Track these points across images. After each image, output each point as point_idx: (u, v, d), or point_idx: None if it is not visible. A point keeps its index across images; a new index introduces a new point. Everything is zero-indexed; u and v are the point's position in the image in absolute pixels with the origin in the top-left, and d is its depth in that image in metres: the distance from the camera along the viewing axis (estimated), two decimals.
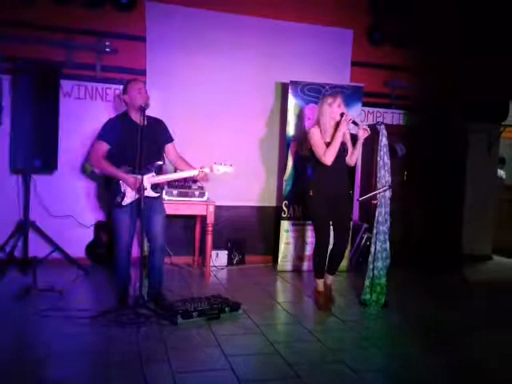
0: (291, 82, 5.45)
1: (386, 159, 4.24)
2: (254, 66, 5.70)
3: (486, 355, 3.40)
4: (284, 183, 5.53)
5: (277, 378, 2.90)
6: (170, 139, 4.10)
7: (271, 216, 5.87)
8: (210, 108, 5.56)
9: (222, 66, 5.59)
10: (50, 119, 4.79)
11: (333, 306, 4.17)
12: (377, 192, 4.25)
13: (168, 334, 3.43)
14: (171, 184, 4.87)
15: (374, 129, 4.32)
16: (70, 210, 5.20)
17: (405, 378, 3.02)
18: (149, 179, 3.83)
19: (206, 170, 3.99)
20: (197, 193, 4.98)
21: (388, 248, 4.25)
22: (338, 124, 4.06)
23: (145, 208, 3.75)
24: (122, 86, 4.03)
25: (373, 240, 4.29)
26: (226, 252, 5.65)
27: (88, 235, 5.28)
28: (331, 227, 4.23)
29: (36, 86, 4.69)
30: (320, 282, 4.28)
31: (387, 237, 4.24)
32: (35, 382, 2.75)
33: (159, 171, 3.95)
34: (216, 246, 5.40)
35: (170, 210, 4.30)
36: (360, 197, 4.59)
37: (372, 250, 4.28)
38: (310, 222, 5.43)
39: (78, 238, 5.22)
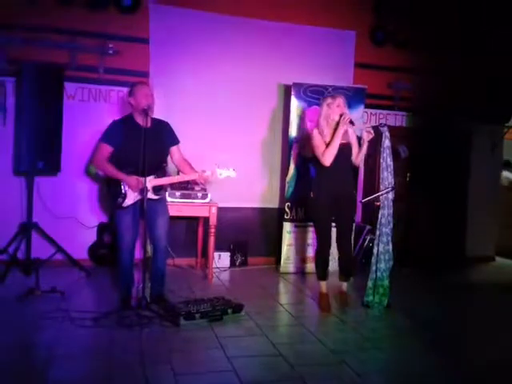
0: (294, 83, 5.45)
1: (389, 161, 4.23)
2: (257, 67, 5.70)
3: (489, 357, 3.38)
4: (286, 185, 5.53)
5: (279, 380, 2.90)
6: (174, 142, 4.08)
7: (274, 217, 5.87)
8: (213, 109, 5.56)
9: (225, 68, 5.59)
10: (54, 121, 4.79)
11: (347, 305, 4.24)
12: (380, 194, 4.24)
13: (170, 336, 3.43)
14: (174, 186, 4.88)
15: (376, 130, 4.31)
16: (72, 211, 5.21)
17: (407, 380, 3.01)
18: (149, 181, 3.82)
19: (208, 173, 3.93)
20: (199, 194, 4.99)
21: (391, 249, 4.24)
22: (338, 124, 4.06)
23: (147, 210, 3.75)
24: (127, 89, 4.02)
25: (376, 241, 4.28)
26: (229, 253, 5.65)
27: (91, 237, 5.28)
28: (334, 229, 4.23)
29: (39, 88, 4.69)
30: (323, 284, 4.27)
31: (390, 238, 4.23)
32: None
33: (161, 174, 3.95)
34: (218, 248, 5.39)
35: (172, 211, 4.31)
36: (363, 198, 4.58)
37: (375, 251, 4.27)
38: (312, 224, 5.45)
39: (80, 240, 5.23)
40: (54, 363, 2.95)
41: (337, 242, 4.24)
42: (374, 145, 5.13)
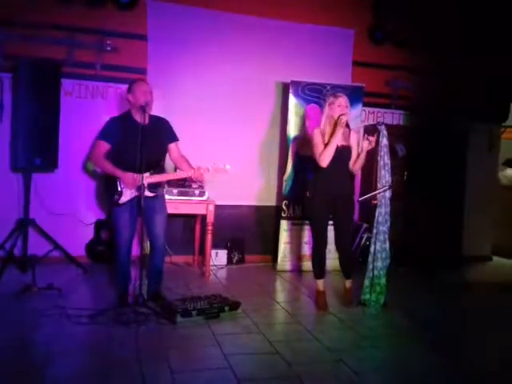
0: (292, 81, 5.45)
1: (387, 159, 4.23)
2: (255, 65, 5.69)
3: (486, 356, 3.39)
4: (284, 183, 5.53)
5: (276, 378, 2.90)
6: (173, 138, 4.06)
7: (271, 215, 5.87)
8: (211, 107, 5.55)
9: (223, 66, 5.59)
10: (51, 118, 4.78)
11: (352, 306, 4.21)
12: (377, 192, 4.24)
13: (167, 333, 3.43)
14: (171, 183, 4.87)
15: (374, 129, 4.31)
16: (70, 208, 5.20)
17: (404, 379, 3.01)
18: (145, 178, 3.79)
19: (202, 171, 3.90)
20: (197, 192, 4.99)
21: (388, 248, 4.24)
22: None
23: (145, 207, 3.74)
24: (125, 85, 4.02)
25: (372, 240, 4.28)
26: (226, 251, 5.65)
27: (88, 233, 5.28)
28: (331, 228, 4.22)
29: (37, 85, 4.68)
30: (319, 282, 4.28)
31: (387, 237, 4.24)
32: (34, 381, 2.74)
33: (158, 171, 3.94)
34: (216, 245, 5.40)
35: (170, 209, 4.30)
36: (360, 197, 4.58)
37: (372, 249, 4.27)
38: (308, 222, 5.46)
39: (77, 237, 5.22)
40: (50, 360, 2.94)
41: (335, 242, 4.21)
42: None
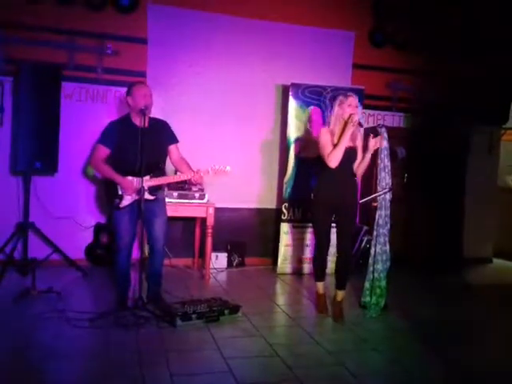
0: (292, 84, 5.45)
1: (387, 161, 4.22)
2: (255, 68, 5.70)
3: (487, 358, 3.39)
4: (284, 185, 5.52)
5: (276, 381, 2.89)
6: (172, 141, 4.05)
7: (271, 218, 5.87)
8: (211, 110, 5.56)
9: (223, 69, 5.60)
10: (51, 121, 4.79)
11: (342, 322, 3.96)
12: (377, 194, 4.23)
13: (167, 336, 3.42)
14: (171, 186, 4.87)
15: (374, 131, 4.30)
16: (70, 211, 5.20)
17: (405, 382, 3.01)
18: (145, 182, 3.78)
19: (202, 174, 3.89)
20: (197, 195, 4.99)
21: (388, 250, 4.23)
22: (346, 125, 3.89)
23: (145, 210, 3.74)
24: (126, 88, 3.97)
25: (373, 242, 4.27)
26: (226, 254, 5.65)
27: (88, 237, 5.28)
28: (334, 231, 4.17)
29: (37, 88, 4.69)
30: (319, 285, 4.26)
31: (387, 239, 4.22)
32: None
33: (158, 174, 3.93)
34: (216, 248, 5.39)
35: (169, 211, 4.29)
36: (360, 199, 4.57)
37: (372, 252, 4.26)
38: (311, 225, 5.44)
39: (77, 240, 5.22)
40: (50, 363, 2.94)
41: (336, 245, 4.12)
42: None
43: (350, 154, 3.94)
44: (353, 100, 3.90)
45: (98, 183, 5.21)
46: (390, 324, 4.01)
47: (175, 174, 4.27)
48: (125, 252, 3.93)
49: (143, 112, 3.75)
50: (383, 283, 4.22)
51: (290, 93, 5.45)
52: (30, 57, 4.95)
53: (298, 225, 5.54)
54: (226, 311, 3.85)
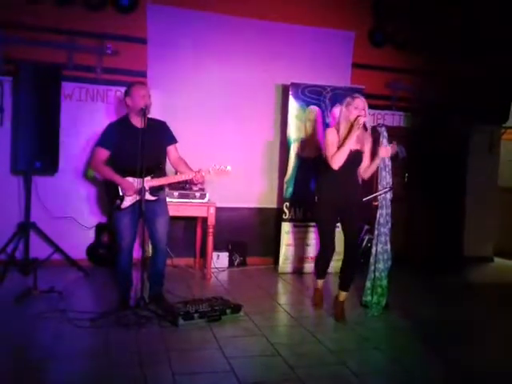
0: (292, 83, 5.45)
1: (387, 161, 4.21)
2: (255, 67, 5.70)
3: (488, 357, 3.39)
4: (285, 185, 5.53)
5: (278, 380, 2.90)
6: (171, 141, 4.05)
7: (272, 218, 5.87)
8: (211, 110, 5.56)
9: (223, 68, 5.59)
10: (51, 121, 4.79)
11: (344, 321, 3.94)
12: (378, 194, 4.23)
13: (169, 336, 3.42)
14: (172, 186, 4.87)
15: (374, 131, 4.30)
16: (71, 211, 5.20)
17: (406, 381, 3.01)
18: (146, 182, 3.78)
19: (203, 174, 3.89)
20: (198, 194, 4.99)
21: (389, 250, 4.23)
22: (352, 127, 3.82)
23: (146, 210, 3.74)
24: (124, 88, 3.98)
25: (374, 241, 4.27)
26: (227, 254, 5.65)
27: (89, 237, 5.28)
28: (339, 231, 4.14)
29: (37, 88, 4.69)
30: (319, 281, 4.29)
31: (388, 238, 4.22)
32: None
33: (159, 174, 3.93)
34: (217, 248, 5.39)
35: (171, 211, 4.28)
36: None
37: (373, 251, 4.27)
38: (312, 224, 5.46)
39: (78, 240, 5.23)
40: (52, 363, 2.94)
41: (344, 247, 4.04)
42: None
43: (355, 157, 3.89)
44: (360, 102, 3.84)
45: (98, 183, 5.21)
46: (392, 323, 4.01)
47: (175, 174, 4.27)
48: (126, 252, 3.93)
49: (143, 112, 3.74)
50: (384, 282, 4.22)
51: (290, 92, 5.45)
52: (30, 57, 4.95)
53: (299, 224, 5.54)
54: (228, 311, 3.85)
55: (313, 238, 5.54)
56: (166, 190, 4.67)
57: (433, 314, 4.26)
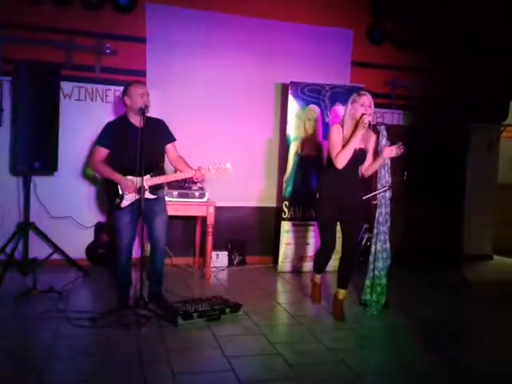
0: (291, 82, 5.45)
1: (386, 159, 4.22)
2: (254, 66, 5.70)
3: (488, 356, 3.39)
4: (284, 184, 5.53)
5: (277, 379, 2.90)
6: (170, 139, 4.05)
7: (271, 216, 5.87)
8: (210, 109, 5.56)
9: (222, 67, 5.59)
10: (50, 121, 4.78)
11: (343, 320, 3.94)
12: (377, 192, 4.24)
13: (168, 335, 3.42)
14: (171, 185, 4.87)
15: (374, 129, 4.30)
16: (70, 211, 5.20)
17: (405, 380, 3.01)
18: (146, 181, 3.78)
19: (203, 172, 3.89)
20: (197, 194, 4.99)
21: (388, 248, 4.23)
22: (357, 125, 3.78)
23: (146, 209, 3.74)
24: (123, 88, 3.99)
25: (373, 240, 4.28)
26: (227, 253, 5.65)
27: (88, 236, 5.27)
28: (339, 229, 4.11)
29: (36, 88, 4.68)
30: (318, 276, 4.31)
31: (387, 237, 4.22)
32: None
33: (158, 173, 3.93)
34: (216, 247, 5.40)
35: (170, 210, 4.29)
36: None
37: (372, 250, 4.27)
38: (311, 223, 5.46)
39: (78, 240, 5.22)
40: (51, 363, 2.94)
41: (342, 245, 4.04)
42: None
43: (359, 156, 3.86)
44: (366, 99, 3.79)
45: (97, 182, 5.21)
46: (391, 322, 4.01)
47: (175, 172, 4.27)
48: (125, 252, 3.94)
49: (142, 111, 3.75)
50: (383, 281, 4.23)
51: (290, 91, 5.45)
52: (29, 56, 4.93)
53: (298, 223, 5.54)
54: (228, 310, 3.85)
55: (312, 236, 5.54)
56: (166, 189, 4.68)
57: (432, 312, 4.26)
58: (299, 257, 5.55)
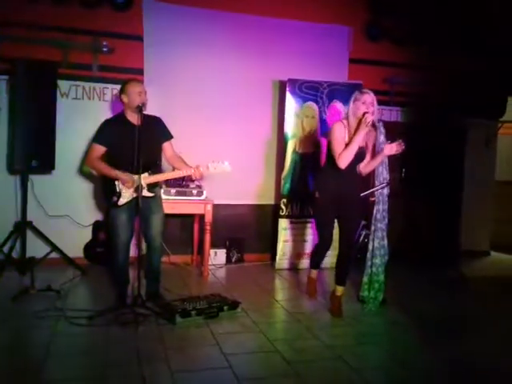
0: (289, 79, 5.44)
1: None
2: (252, 63, 5.69)
3: (488, 352, 3.39)
4: (282, 181, 5.52)
5: (276, 376, 2.91)
6: (167, 137, 4.05)
7: (269, 214, 5.87)
8: (208, 106, 5.54)
9: (220, 65, 5.58)
10: (48, 119, 4.77)
11: (341, 317, 3.94)
12: (375, 189, 4.24)
13: (166, 333, 3.43)
14: (169, 183, 4.87)
15: (372, 125, 4.28)
16: (67, 209, 5.19)
17: (403, 375, 3.02)
18: (144, 179, 3.79)
19: (202, 170, 3.89)
20: (195, 191, 4.98)
21: (386, 245, 4.24)
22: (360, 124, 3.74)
23: (143, 208, 3.74)
24: (120, 86, 3.98)
25: (371, 237, 4.28)
26: (225, 250, 5.65)
27: (86, 235, 5.26)
28: (336, 226, 4.10)
29: (33, 86, 4.67)
30: (314, 271, 4.33)
31: (385, 234, 4.23)
32: (33, 383, 2.74)
33: (156, 171, 3.93)
34: (214, 245, 5.40)
35: (167, 208, 4.30)
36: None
37: (370, 246, 4.28)
38: (309, 220, 5.47)
39: (75, 238, 5.21)
40: (49, 362, 2.94)
41: (339, 241, 4.02)
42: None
43: (359, 155, 3.83)
44: (368, 97, 3.74)
45: (95, 180, 5.20)
46: (389, 318, 4.02)
47: (173, 170, 4.26)
48: (123, 250, 3.93)
49: (140, 109, 3.74)
50: (381, 277, 4.23)
51: (287, 88, 5.44)
52: (26, 55, 4.91)
53: (296, 220, 5.54)
54: (226, 307, 3.85)
55: (310, 233, 5.54)
56: (163, 187, 4.68)
57: (430, 308, 4.26)
58: (297, 254, 5.55)
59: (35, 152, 4.71)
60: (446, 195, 6.10)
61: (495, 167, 6.90)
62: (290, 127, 5.49)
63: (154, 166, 3.93)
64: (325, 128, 5.45)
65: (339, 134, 3.80)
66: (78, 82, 5.23)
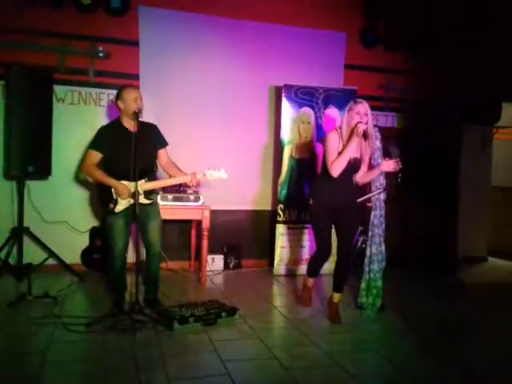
0: (285, 85, 5.45)
1: (380, 162, 4.22)
2: (248, 69, 5.70)
3: (486, 357, 3.39)
4: (279, 187, 5.53)
5: (274, 383, 2.90)
6: (162, 144, 4.05)
7: (267, 220, 5.87)
8: (204, 112, 5.55)
9: (216, 70, 5.59)
10: (44, 125, 4.77)
11: (339, 323, 3.93)
12: (371, 195, 4.24)
13: (164, 340, 3.41)
14: (166, 189, 4.86)
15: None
16: (64, 215, 5.17)
17: (402, 382, 3.02)
18: (141, 186, 3.77)
19: (199, 177, 3.89)
20: (192, 197, 4.98)
21: (383, 250, 4.24)
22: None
23: (140, 214, 3.72)
24: (116, 92, 3.98)
25: (368, 243, 4.28)
26: (222, 256, 5.64)
27: (83, 241, 5.25)
28: (334, 233, 4.09)
29: (29, 92, 4.66)
30: (310, 280, 4.30)
31: (382, 239, 4.23)
32: None
33: (152, 177, 3.92)
34: (212, 251, 5.38)
35: (165, 214, 4.29)
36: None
37: (367, 252, 4.27)
38: (306, 226, 5.46)
39: (72, 244, 5.19)
40: (46, 369, 2.92)
41: (337, 249, 4.02)
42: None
43: (353, 165, 3.83)
44: (361, 107, 3.74)
45: (92, 186, 5.18)
46: (387, 324, 4.02)
47: (169, 177, 4.25)
48: (120, 256, 3.92)
49: (136, 115, 3.74)
50: (379, 283, 4.23)
51: (283, 94, 5.45)
52: (22, 60, 4.91)
53: (293, 226, 5.54)
54: (224, 314, 3.84)
55: (307, 239, 5.54)
56: (160, 193, 4.68)
57: (428, 314, 4.26)
58: (294, 260, 5.55)
59: (32, 157, 4.70)
60: (442, 200, 6.11)
61: (491, 172, 6.92)
62: (287, 133, 5.50)
63: (151, 173, 3.92)
64: (321, 133, 5.46)
65: (333, 143, 3.82)
66: (74, 88, 5.23)
